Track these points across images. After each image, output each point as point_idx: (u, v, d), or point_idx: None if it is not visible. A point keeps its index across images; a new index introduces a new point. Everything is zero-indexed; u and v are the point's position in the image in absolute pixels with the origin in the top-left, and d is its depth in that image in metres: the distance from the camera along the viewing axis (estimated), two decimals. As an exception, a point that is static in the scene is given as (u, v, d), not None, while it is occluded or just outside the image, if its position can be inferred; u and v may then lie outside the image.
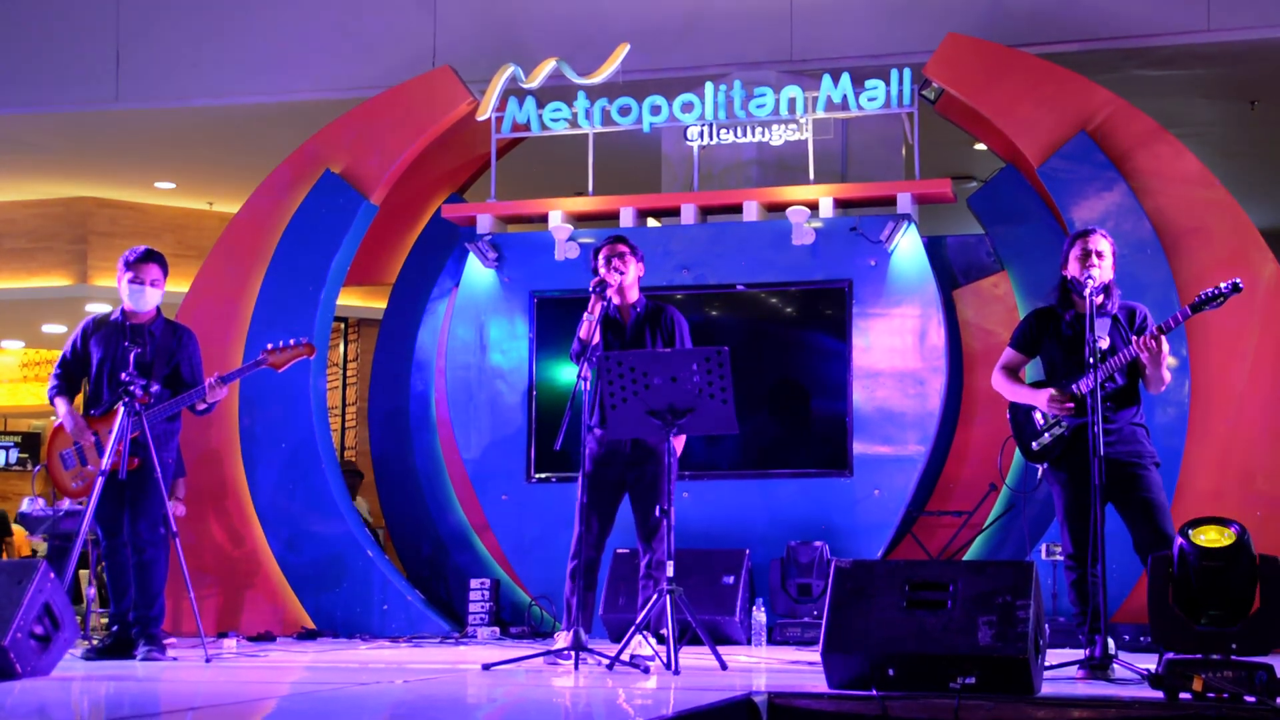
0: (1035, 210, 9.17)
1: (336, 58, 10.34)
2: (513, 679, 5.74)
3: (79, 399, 7.16)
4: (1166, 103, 10.21)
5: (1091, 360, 5.75)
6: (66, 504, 8.86)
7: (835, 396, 8.86)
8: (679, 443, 6.38)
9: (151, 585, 6.81)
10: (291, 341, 7.04)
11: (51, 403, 7.07)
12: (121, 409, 6.61)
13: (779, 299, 9.15)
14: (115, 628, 6.97)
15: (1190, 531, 4.92)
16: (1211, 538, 4.88)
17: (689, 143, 9.31)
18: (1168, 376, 5.98)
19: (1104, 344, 5.91)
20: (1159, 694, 4.75)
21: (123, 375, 6.69)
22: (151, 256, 7.02)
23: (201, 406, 6.95)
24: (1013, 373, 6.30)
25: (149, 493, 6.80)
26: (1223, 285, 5.85)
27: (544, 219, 9.40)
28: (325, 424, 9.37)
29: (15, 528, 13.30)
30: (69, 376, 7.10)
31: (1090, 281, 5.90)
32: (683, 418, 6.11)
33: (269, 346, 7.00)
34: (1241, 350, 8.27)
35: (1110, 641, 5.64)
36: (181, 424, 7.15)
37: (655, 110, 9.18)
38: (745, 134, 9.23)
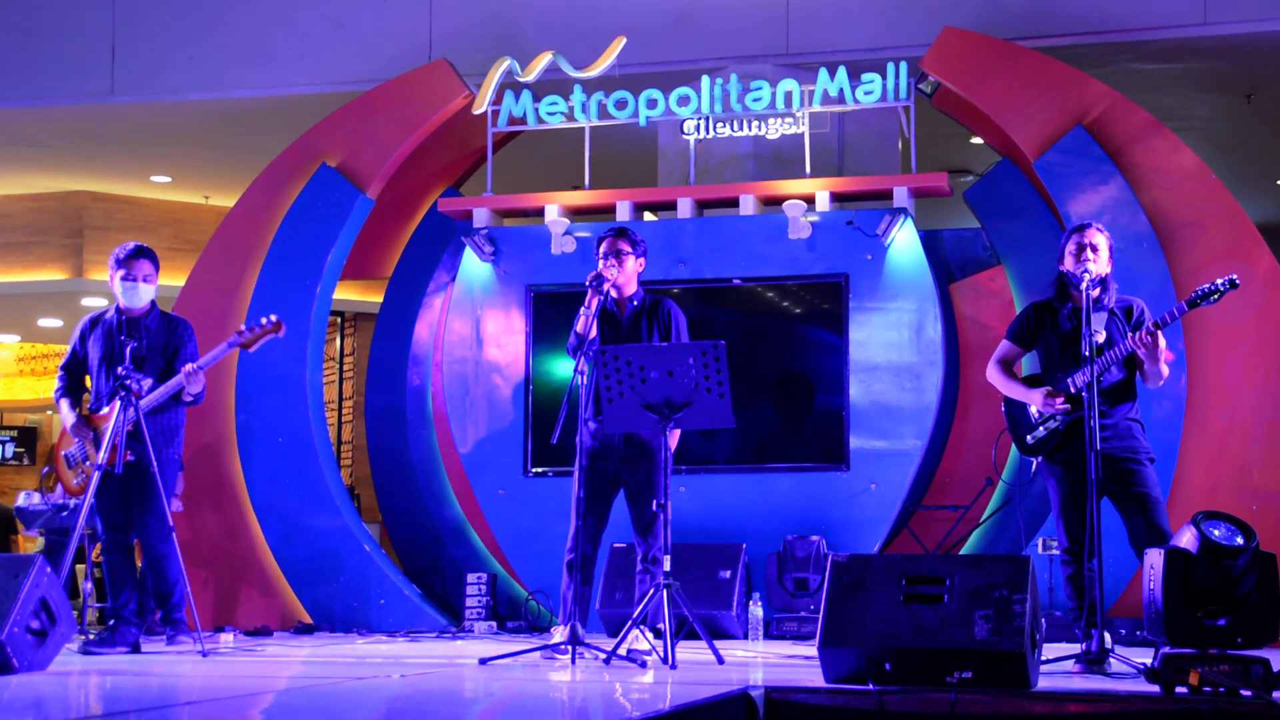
0: (1032, 204, 9.17)
1: (332, 51, 10.33)
2: (510, 674, 5.74)
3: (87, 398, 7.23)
4: (1163, 97, 10.21)
5: (1087, 354, 5.75)
6: (61, 498, 8.86)
7: (832, 391, 8.86)
8: (673, 437, 6.38)
9: (168, 576, 6.91)
10: (262, 320, 7.08)
11: (57, 404, 7.16)
12: (118, 404, 6.63)
13: (775, 293, 9.15)
14: (111, 621, 6.99)
15: (1206, 526, 4.91)
16: (1227, 537, 4.88)
17: (685, 136, 9.31)
18: (1165, 371, 5.98)
19: (1100, 338, 5.91)
20: (1155, 688, 4.76)
21: (119, 370, 6.70)
22: (142, 252, 7.04)
23: (188, 398, 6.96)
24: (1008, 366, 6.30)
25: (155, 489, 6.86)
26: (1219, 281, 5.85)
27: (540, 213, 9.40)
28: (322, 418, 9.36)
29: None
30: (72, 378, 7.22)
31: (1086, 275, 5.90)
32: (679, 412, 6.10)
33: (241, 329, 7.05)
34: (1238, 344, 8.28)
35: (1107, 636, 5.64)
36: (185, 418, 7.18)
37: (651, 104, 9.18)
38: (741, 128, 9.23)
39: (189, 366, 6.85)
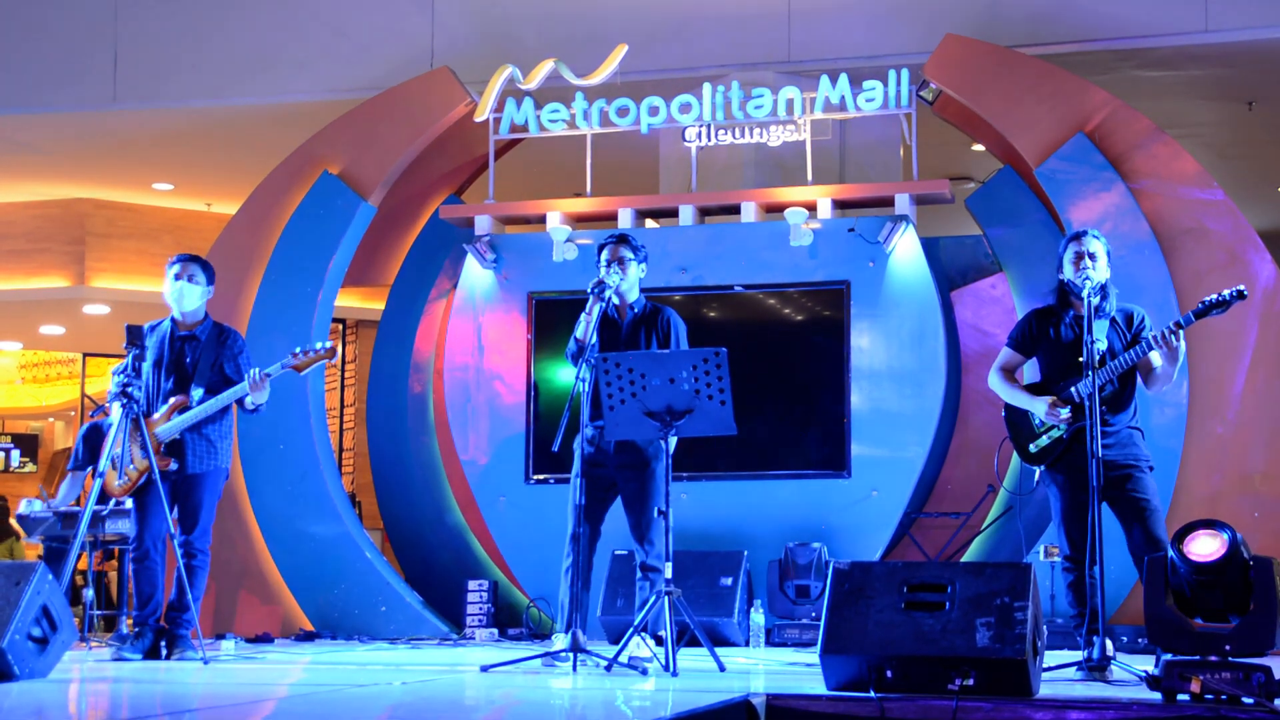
0: (1033, 211, 9.17)
1: (334, 59, 10.34)
2: (511, 681, 5.73)
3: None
4: (1164, 104, 10.22)
5: (1089, 363, 5.74)
6: (57, 504, 8.86)
7: (833, 398, 8.86)
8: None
9: (193, 589, 6.86)
10: (317, 345, 7.06)
11: (110, 404, 7.20)
12: (120, 409, 6.64)
13: (777, 300, 9.15)
14: (138, 629, 6.95)
15: (1181, 543, 4.89)
16: (1202, 550, 4.86)
17: (687, 144, 9.32)
18: (1175, 375, 5.99)
19: (1101, 346, 5.91)
20: (1157, 695, 4.76)
21: (123, 378, 6.71)
22: (187, 258, 7.09)
23: (250, 406, 6.96)
24: (1010, 374, 6.29)
25: (202, 499, 6.94)
26: (1227, 292, 5.85)
27: (542, 220, 9.40)
28: (323, 425, 9.37)
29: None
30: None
31: (1088, 284, 5.90)
32: (681, 419, 6.10)
33: (295, 351, 7.00)
34: (1239, 351, 8.28)
35: (1108, 643, 5.64)
36: (231, 429, 7.18)
37: (653, 111, 9.18)
38: (743, 135, 9.23)
39: (254, 372, 6.84)
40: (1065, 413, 5.96)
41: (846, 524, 8.68)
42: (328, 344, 7.09)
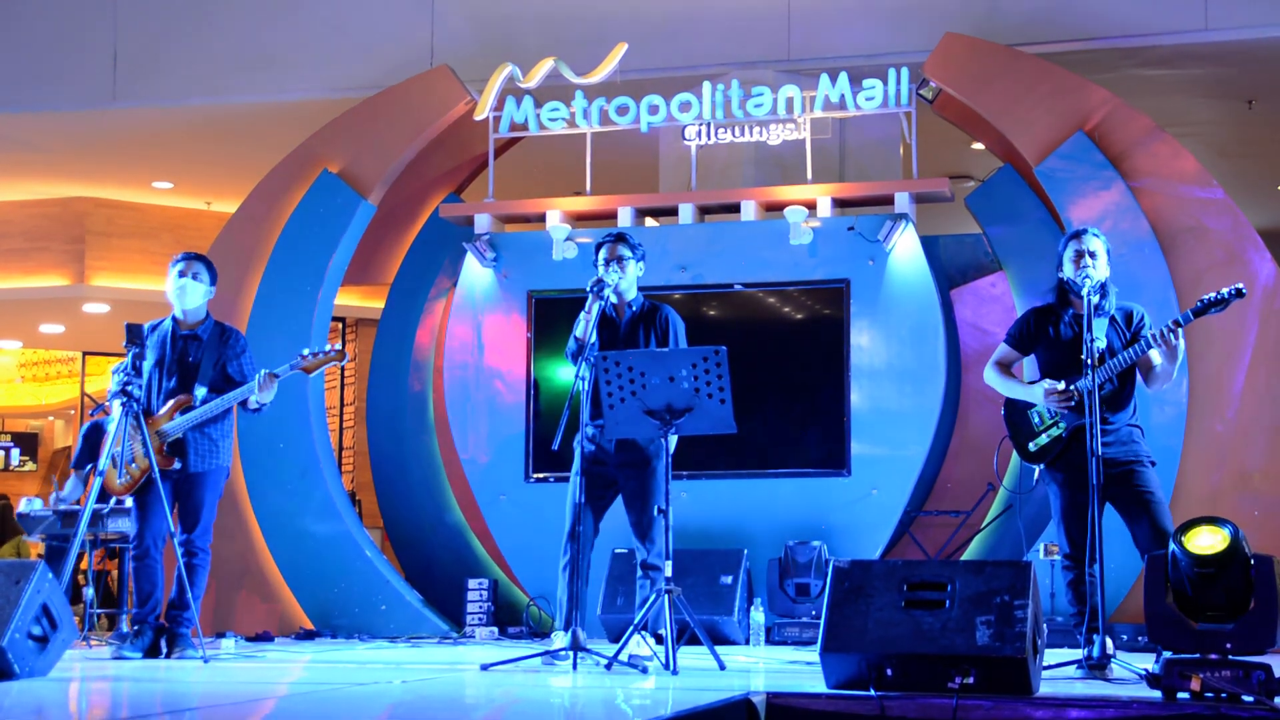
0: (1033, 210, 9.17)
1: (334, 57, 10.34)
2: (511, 679, 5.74)
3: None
4: (1164, 102, 10.22)
5: (1089, 360, 5.75)
6: (64, 497, 8.87)
7: (833, 396, 8.86)
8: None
9: (194, 588, 6.85)
10: (327, 348, 7.07)
11: (110, 403, 7.19)
12: (120, 408, 6.63)
13: (777, 299, 9.15)
14: (137, 627, 6.94)
15: (1183, 536, 4.90)
16: (1204, 543, 4.87)
17: (687, 142, 9.32)
18: (1174, 373, 5.99)
19: (1100, 344, 5.91)
20: (1157, 694, 4.76)
21: (124, 376, 6.71)
22: (191, 256, 7.09)
23: (254, 406, 6.95)
24: (1006, 369, 6.30)
25: (204, 498, 6.93)
26: (1226, 290, 5.85)
27: (542, 219, 9.41)
28: (323, 424, 9.37)
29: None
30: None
31: (1088, 282, 5.90)
32: (680, 417, 6.10)
33: (304, 353, 7.00)
34: (1239, 350, 8.28)
35: (1108, 641, 5.64)
36: (232, 429, 7.17)
37: (653, 110, 9.18)
38: (743, 133, 9.23)
39: (262, 374, 6.84)
40: (1062, 386, 5.94)
41: (846, 522, 8.68)
42: (337, 346, 7.09)
